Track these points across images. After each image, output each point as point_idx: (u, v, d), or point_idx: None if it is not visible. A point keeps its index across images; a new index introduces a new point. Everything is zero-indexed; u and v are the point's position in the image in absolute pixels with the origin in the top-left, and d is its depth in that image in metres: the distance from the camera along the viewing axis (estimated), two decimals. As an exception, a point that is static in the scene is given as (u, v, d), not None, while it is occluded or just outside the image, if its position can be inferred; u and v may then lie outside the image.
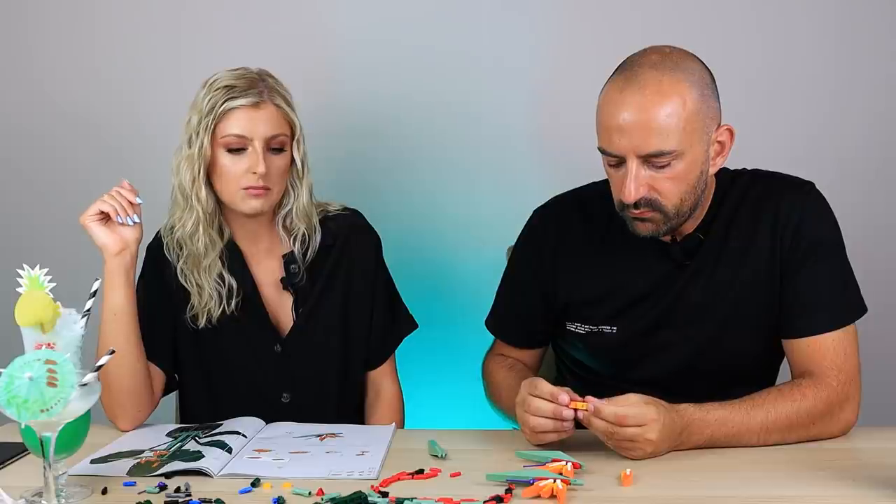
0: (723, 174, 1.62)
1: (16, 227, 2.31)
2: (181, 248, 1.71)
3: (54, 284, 1.31)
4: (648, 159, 1.46)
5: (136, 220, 1.59)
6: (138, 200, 1.60)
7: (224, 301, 1.70)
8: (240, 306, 1.71)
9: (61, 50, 2.26)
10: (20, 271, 1.31)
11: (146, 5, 2.24)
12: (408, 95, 2.20)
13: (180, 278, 1.71)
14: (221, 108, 1.63)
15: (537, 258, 1.70)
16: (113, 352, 1.27)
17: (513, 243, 1.82)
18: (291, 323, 1.75)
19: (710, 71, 1.52)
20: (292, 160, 1.70)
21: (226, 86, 1.64)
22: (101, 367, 1.24)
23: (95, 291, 1.34)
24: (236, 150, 1.64)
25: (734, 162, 1.64)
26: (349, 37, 2.21)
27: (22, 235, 2.29)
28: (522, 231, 1.76)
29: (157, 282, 1.74)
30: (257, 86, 1.65)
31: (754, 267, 1.56)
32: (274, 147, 1.66)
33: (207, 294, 1.69)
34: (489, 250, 2.14)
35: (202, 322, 1.71)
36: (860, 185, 2.18)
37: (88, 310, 1.33)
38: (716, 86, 1.52)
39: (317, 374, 1.77)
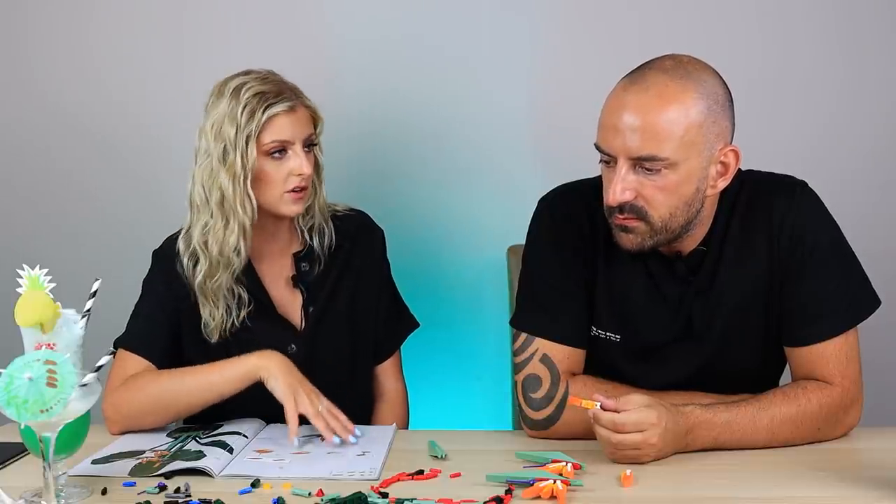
0: None
1: (16, 227, 2.31)
2: (196, 263, 1.67)
3: (54, 285, 1.31)
4: (639, 163, 1.40)
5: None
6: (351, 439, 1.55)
7: (234, 312, 1.68)
8: (252, 312, 1.69)
9: (62, 51, 2.26)
10: (20, 271, 1.31)
11: (146, 6, 2.24)
12: (408, 95, 2.20)
13: (199, 293, 1.67)
14: (263, 117, 1.62)
15: (576, 236, 1.57)
16: (113, 353, 1.26)
17: (513, 244, 1.81)
18: (300, 322, 1.74)
19: (728, 90, 1.45)
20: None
21: (258, 93, 1.63)
22: (100, 367, 1.24)
23: (95, 291, 1.34)
24: (279, 155, 1.65)
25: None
26: (349, 37, 2.20)
27: (22, 235, 2.29)
28: (539, 219, 1.64)
29: (164, 291, 1.70)
30: (285, 89, 1.66)
31: (753, 278, 1.52)
32: (307, 146, 1.68)
33: (224, 307, 1.67)
34: (489, 250, 2.14)
35: (215, 337, 1.67)
36: (863, 186, 2.16)
37: (88, 310, 1.33)
38: (731, 105, 1.45)
39: (330, 372, 1.74)
